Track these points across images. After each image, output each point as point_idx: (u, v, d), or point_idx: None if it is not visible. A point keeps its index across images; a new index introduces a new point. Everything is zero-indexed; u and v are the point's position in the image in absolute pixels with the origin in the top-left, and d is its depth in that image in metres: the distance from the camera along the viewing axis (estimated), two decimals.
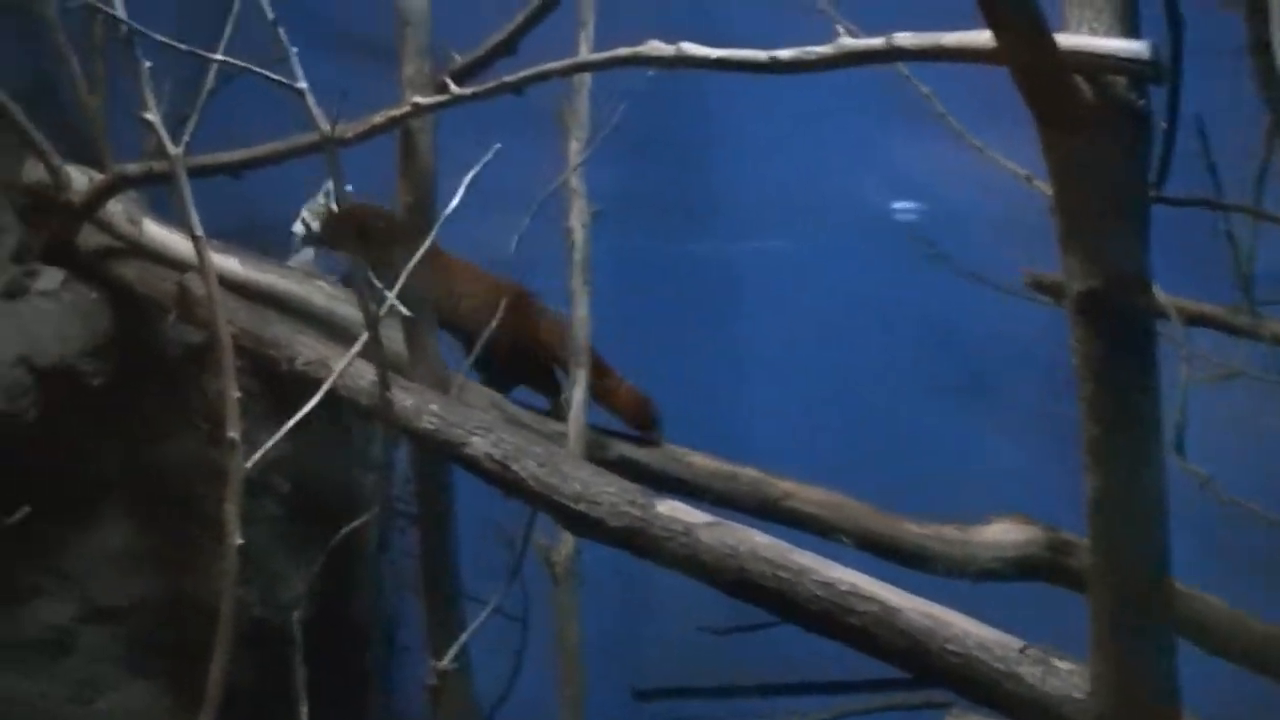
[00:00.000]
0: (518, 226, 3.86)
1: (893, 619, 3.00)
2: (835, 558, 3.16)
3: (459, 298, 4.08)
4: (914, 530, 3.91)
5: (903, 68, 4.03)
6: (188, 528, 4.27)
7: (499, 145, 3.25)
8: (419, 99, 3.27)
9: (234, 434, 3.09)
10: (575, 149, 4.23)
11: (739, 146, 4.82)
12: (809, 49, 2.78)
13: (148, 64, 3.10)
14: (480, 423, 3.47)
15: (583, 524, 3.31)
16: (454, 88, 3.20)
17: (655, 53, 2.96)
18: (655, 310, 4.85)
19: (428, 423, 3.49)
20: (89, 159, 4.38)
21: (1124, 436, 2.49)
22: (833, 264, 4.78)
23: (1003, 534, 3.88)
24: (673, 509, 3.24)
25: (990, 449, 4.74)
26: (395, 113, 3.33)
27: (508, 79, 3.13)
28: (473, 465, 3.44)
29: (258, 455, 3.11)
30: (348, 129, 3.26)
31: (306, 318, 4.02)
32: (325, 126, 3.06)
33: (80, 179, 4.06)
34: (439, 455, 3.62)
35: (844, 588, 3.03)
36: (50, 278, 4.21)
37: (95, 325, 4.16)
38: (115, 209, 4.17)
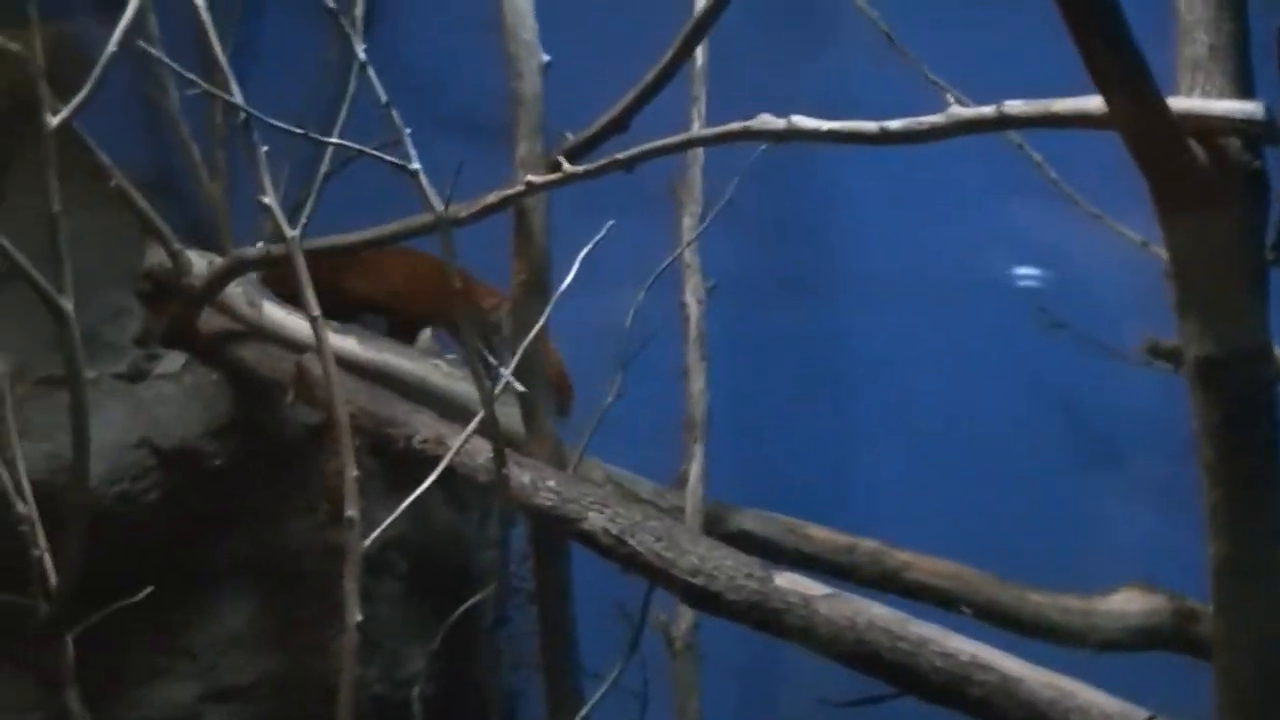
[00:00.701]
0: (632, 302, 3.87)
1: (1014, 689, 2.96)
2: (956, 629, 3.13)
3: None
4: (1035, 600, 3.86)
5: (1015, 136, 4.04)
6: (308, 606, 4.31)
7: (612, 222, 3.27)
8: (532, 178, 3.31)
9: (352, 512, 3.11)
10: (689, 224, 4.26)
11: (854, 217, 4.82)
12: (919, 119, 2.80)
13: (265, 148, 3.15)
14: (597, 498, 3.47)
15: (701, 598, 3.30)
16: (566, 166, 3.24)
17: (766, 127, 2.99)
18: (772, 383, 4.85)
19: (544, 498, 3.50)
20: (209, 243, 4.49)
21: (1247, 502, 2.46)
22: (952, 334, 4.74)
23: (1126, 603, 3.83)
24: (791, 581, 3.23)
25: (1114, 517, 4.67)
26: (509, 192, 3.37)
27: (619, 156, 3.17)
28: (590, 540, 3.44)
29: (376, 533, 3.12)
30: (461, 208, 3.30)
31: (423, 396, 4.05)
32: (439, 206, 3.10)
33: (200, 263, 4.12)
34: (556, 531, 3.63)
35: (965, 658, 3.00)
36: (171, 361, 4.30)
37: (215, 407, 4.23)
38: (235, 292, 4.23)
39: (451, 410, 3.98)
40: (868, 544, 4.03)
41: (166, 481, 4.10)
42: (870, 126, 2.89)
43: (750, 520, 4.13)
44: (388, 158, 3.03)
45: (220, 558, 4.31)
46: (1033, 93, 2.73)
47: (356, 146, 3.16)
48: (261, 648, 4.30)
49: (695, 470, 4.12)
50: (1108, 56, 2.26)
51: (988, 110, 2.74)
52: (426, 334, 4.65)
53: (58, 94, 2.90)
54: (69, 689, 3.47)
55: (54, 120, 2.85)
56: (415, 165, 3.04)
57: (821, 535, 4.07)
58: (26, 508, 3.38)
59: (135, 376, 4.26)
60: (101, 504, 3.91)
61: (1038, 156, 4.07)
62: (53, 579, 3.35)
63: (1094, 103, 2.45)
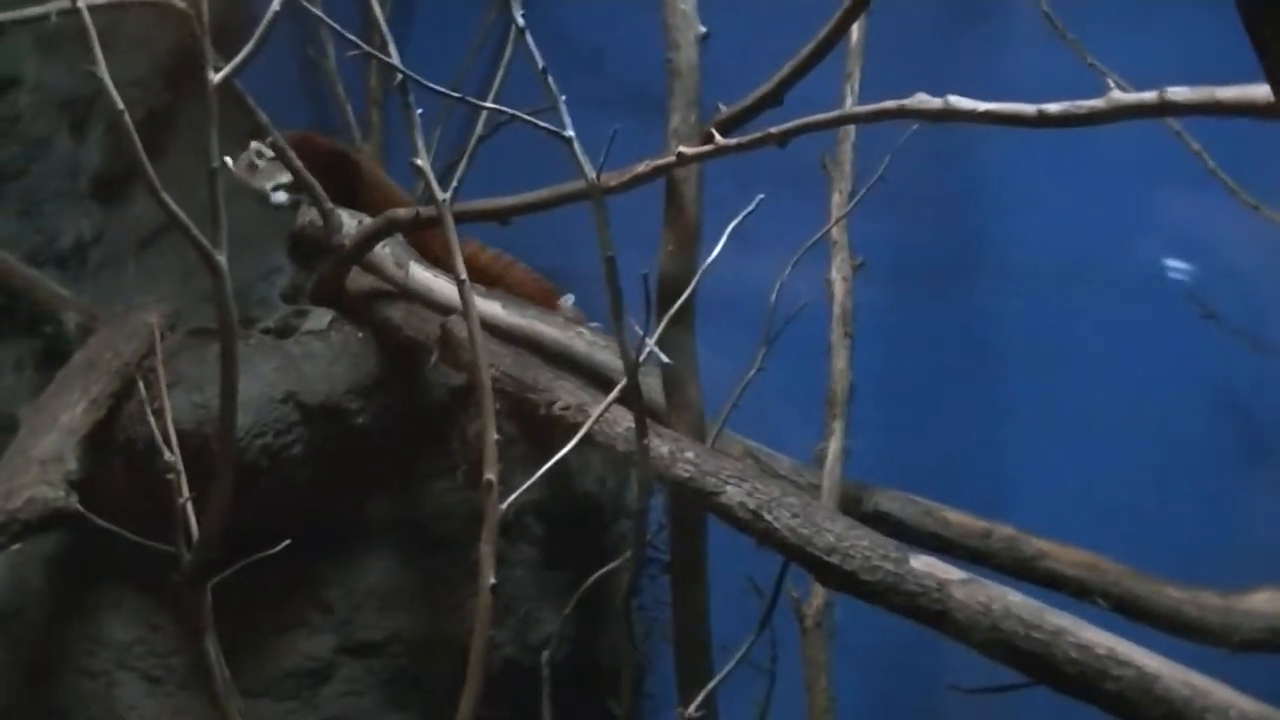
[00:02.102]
0: (779, 277, 3.87)
1: (1151, 685, 2.93)
2: (1091, 620, 3.11)
3: None
4: (1172, 594, 3.81)
5: (1174, 124, 3.99)
6: (444, 567, 4.38)
7: (762, 196, 3.27)
8: (685, 149, 3.32)
9: (491, 476, 3.13)
10: (838, 201, 4.25)
11: (1007, 200, 4.77)
12: (1078, 103, 2.79)
13: (420, 111, 3.18)
14: (735, 471, 3.48)
15: (835, 576, 3.30)
16: (719, 139, 3.25)
17: (922, 106, 2.99)
18: (916, 364, 4.83)
19: (683, 470, 3.51)
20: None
21: None
22: (1102, 323, 4.69)
23: (1269, 603, 3.77)
24: (927, 565, 3.22)
25: (1264, 514, 4.61)
26: (661, 162, 3.39)
27: (772, 130, 3.17)
28: (726, 514, 3.45)
29: (513, 497, 3.14)
30: (613, 177, 3.32)
31: (566, 363, 4.08)
32: (591, 175, 3.12)
33: (350, 223, 4.19)
34: (693, 503, 3.64)
35: (1101, 651, 2.97)
36: (318, 318, 4.35)
37: (360, 365, 4.28)
38: (383, 252, 4.29)
39: (593, 378, 4.01)
40: (1004, 530, 4.01)
41: (310, 437, 4.16)
42: (1028, 109, 2.87)
43: (887, 501, 4.13)
44: (542, 124, 3.05)
45: (359, 515, 4.38)
46: (1193, 79, 2.70)
47: (511, 111, 3.18)
48: (396, 605, 4.36)
49: (834, 448, 4.12)
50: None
51: (1149, 96, 2.72)
52: (570, 301, 4.68)
53: (221, 52, 2.94)
54: (207, 636, 3.53)
55: (216, 77, 2.89)
56: (569, 132, 3.06)
57: (958, 519, 4.06)
58: (173, 457, 3.45)
59: (283, 332, 4.31)
60: (246, 457, 3.98)
61: (1196, 145, 4.02)
62: (196, 528, 3.41)
63: (1260, 92, 2.42)
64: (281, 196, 4.38)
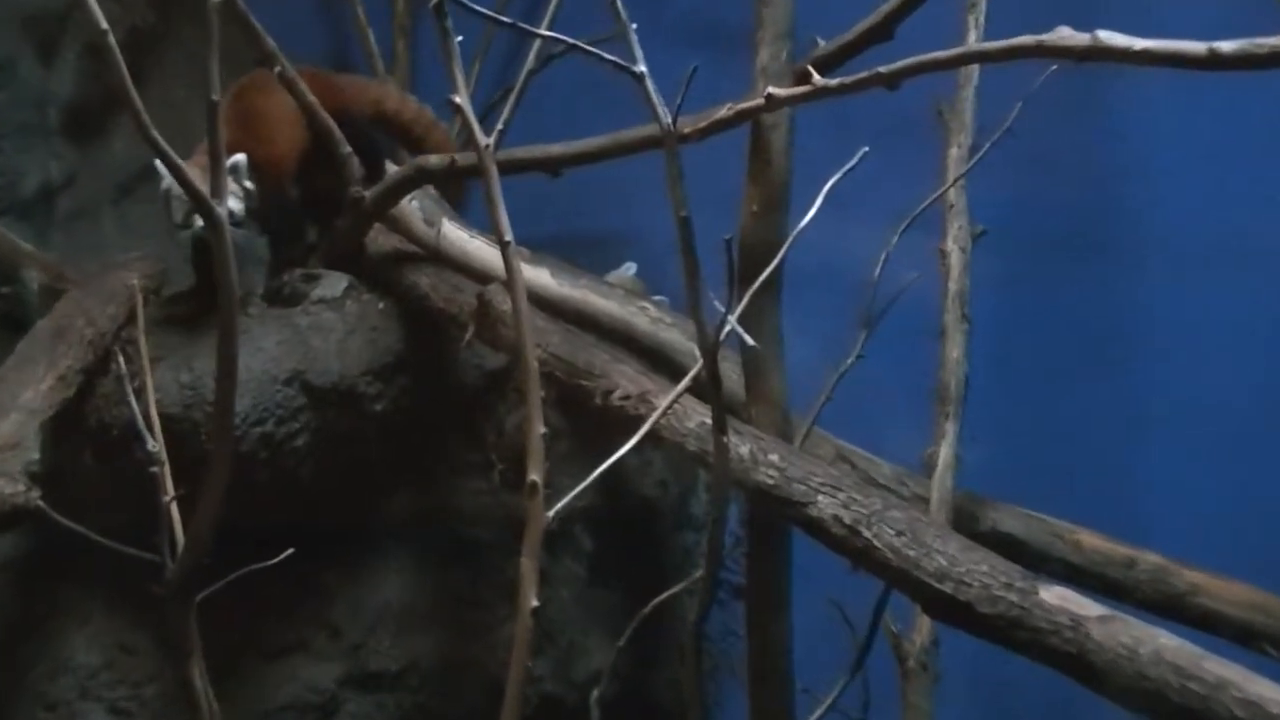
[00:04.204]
0: (884, 247, 3.83)
1: None
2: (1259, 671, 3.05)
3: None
4: None
5: None
6: (475, 583, 4.36)
7: (866, 149, 3.22)
8: (774, 90, 3.28)
9: (535, 477, 3.09)
10: (956, 156, 4.22)
11: (1155, 163, 4.72)
12: (1258, 41, 2.74)
13: (459, 39, 3.14)
14: (828, 478, 3.45)
15: (947, 608, 3.26)
16: (817, 78, 3.20)
17: (1064, 42, 2.95)
18: (1044, 353, 4.79)
19: (765, 476, 3.48)
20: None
21: None
22: (1259, 311, 4.65)
23: None
24: (1060, 597, 3.17)
25: None
26: (746, 105, 3.35)
27: (881, 70, 3.14)
28: (816, 529, 3.42)
29: (562, 504, 3.11)
30: (689, 122, 3.27)
31: (627, 343, 4.07)
32: (665, 119, 3.07)
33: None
34: (777, 515, 3.60)
35: (1274, 709, 2.91)
36: (331, 284, 4.32)
37: (381, 341, 4.25)
38: (411, 208, 4.27)
39: (657, 362, 3.99)
40: (1151, 558, 3.98)
41: (319, 425, 4.13)
42: (1196, 47, 2.82)
43: (1009, 518, 4.10)
44: (608, 56, 3.01)
45: (376, 519, 4.35)
46: None
47: (569, 40, 3.13)
48: (417, 627, 4.33)
49: (945, 453, 4.08)
50: None
51: None
52: (631, 270, 4.66)
53: None
54: (192, 660, 3.51)
55: None
56: (640, 67, 3.01)
57: (1094, 543, 4.03)
58: (156, 445, 3.42)
59: (289, 299, 4.29)
60: (242, 447, 3.95)
61: None
62: (181, 532, 3.39)
63: None
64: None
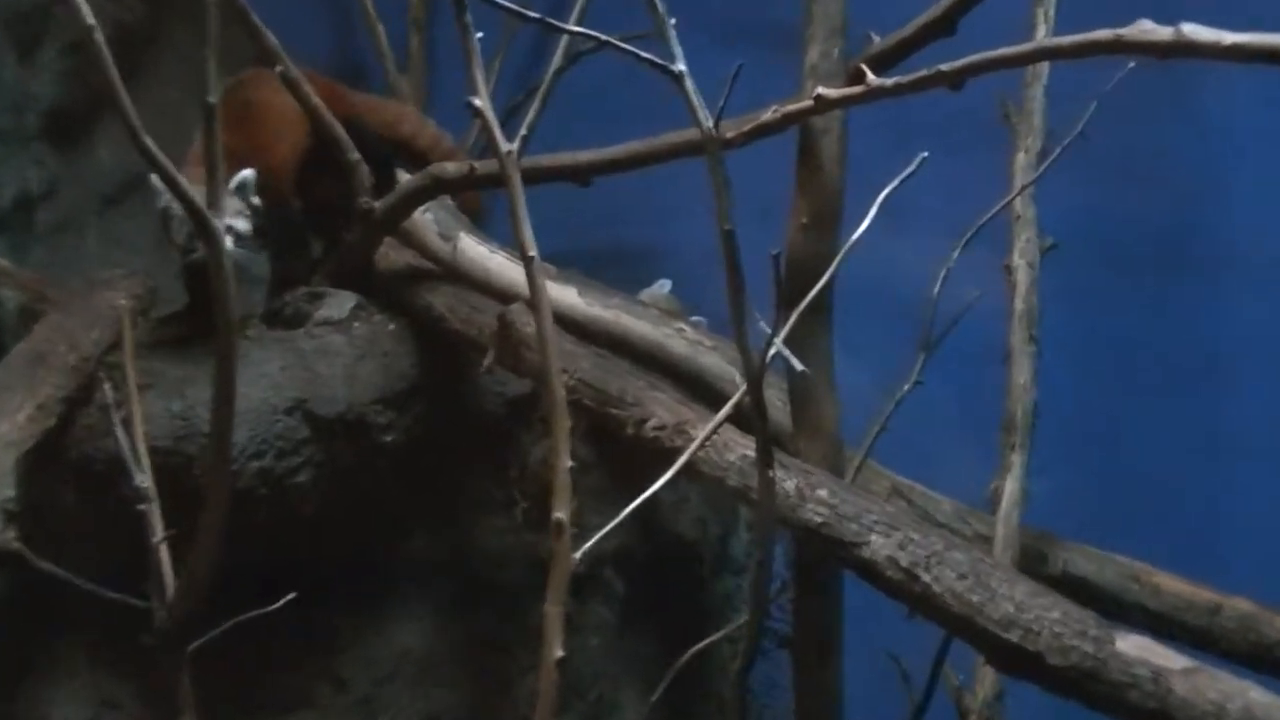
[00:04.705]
0: (944, 262, 3.83)
1: None
2: None
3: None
4: None
5: None
6: (496, 630, 4.37)
7: (925, 155, 3.22)
8: (825, 90, 3.28)
9: (561, 514, 3.10)
10: (1023, 163, 4.21)
11: (1243, 170, 4.72)
12: None
13: (479, 35, 3.14)
14: (882, 516, 3.44)
15: (1015, 658, 3.24)
16: (871, 77, 3.20)
17: (1146, 37, 2.94)
18: (1120, 378, 4.79)
19: (814, 513, 3.47)
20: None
21: None
22: None
23: None
24: (1139, 647, 3.16)
25: None
26: (794, 107, 3.34)
27: (943, 68, 3.13)
28: (870, 572, 3.41)
29: (590, 544, 3.11)
30: (732, 126, 3.27)
31: (662, 369, 4.06)
32: (706, 123, 3.07)
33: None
34: (827, 556, 3.60)
35: None
36: (338, 303, 4.33)
37: (392, 366, 4.26)
38: (425, 220, 4.28)
39: (695, 389, 3.99)
40: (1239, 604, 3.96)
41: (324, 458, 4.12)
42: None
43: (1081, 560, 4.09)
44: (644, 54, 3.01)
45: (389, 560, 4.36)
46: None
47: (601, 37, 3.13)
48: (433, 679, 4.34)
49: (1012, 488, 4.08)
50: None
51: None
52: (666, 288, 4.66)
53: None
54: (185, 717, 3.51)
55: None
56: (679, 65, 3.01)
57: (1176, 587, 4.01)
58: (145, 481, 3.43)
59: (292, 321, 4.29)
60: (239, 482, 3.93)
61: None
62: (173, 576, 3.40)
63: None
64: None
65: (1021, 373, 4.15)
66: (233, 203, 4.03)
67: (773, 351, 3.20)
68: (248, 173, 4.05)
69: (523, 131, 3.23)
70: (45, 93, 4.88)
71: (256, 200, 4.11)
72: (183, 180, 3.06)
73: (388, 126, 4.55)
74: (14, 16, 4.74)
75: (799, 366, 3.31)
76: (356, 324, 4.30)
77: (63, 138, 4.93)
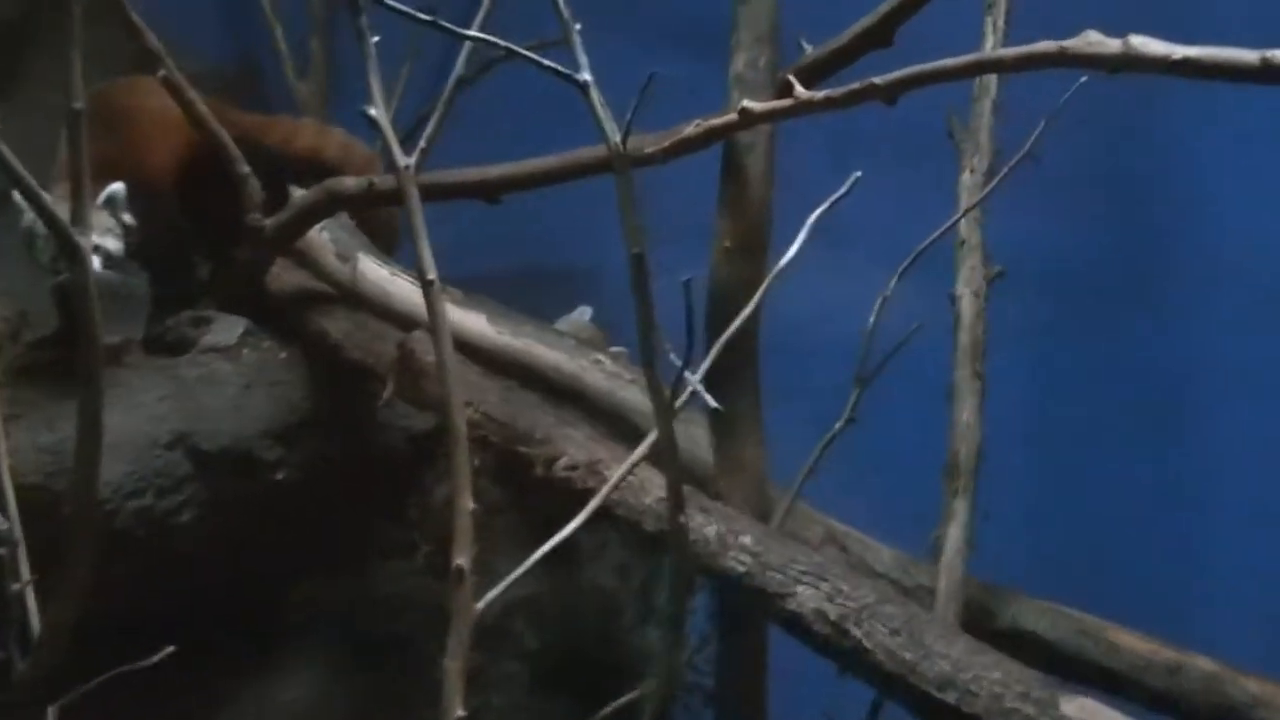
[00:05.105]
0: (881, 290, 3.82)
1: None
2: None
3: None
4: None
5: None
6: (395, 684, 4.34)
7: (859, 174, 3.21)
8: (749, 104, 3.28)
9: (462, 560, 3.09)
10: (969, 183, 4.22)
11: (1206, 191, 4.74)
12: None
13: (375, 39, 3.13)
14: (810, 566, 3.45)
15: None
16: (800, 90, 3.20)
17: (1092, 50, 2.95)
18: (1072, 416, 4.81)
19: (736, 561, 3.48)
20: None
21: None
22: None
23: None
24: (1085, 710, 3.18)
25: None
26: (717, 121, 3.34)
27: (877, 81, 3.13)
28: (797, 625, 3.43)
29: (495, 592, 3.10)
30: (649, 141, 3.27)
31: (578, 403, 4.06)
32: (614, 137, 3.05)
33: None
34: (751, 608, 3.60)
35: None
36: (226, 329, 4.31)
37: (284, 397, 4.25)
38: (322, 239, 4.26)
39: (615, 425, 3.98)
40: (1202, 663, 3.97)
41: (208, 497, 4.10)
42: (1247, 56, 2.82)
43: (1032, 614, 4.09)
44: (546, 62, 2.99)
45: (278, 609, 4.33)
46: None
47: (504, 44, 3.12)
48: None
49: (955, 535, 4.08)
50: None
51: None
52: (586, 315, 4.65)
53: None
54: None
55: None
56: (585, 75, 2.99)
57: (1134, 644, 4.02)
58: (7, 523, 3.39)
59: (175, 347, 4.27)
60: (115, 522, 3.93)
61: None
62: (37, 625, 3.37)
63: None
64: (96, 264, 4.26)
65: (966, 410, 4.15)
66: (101, 219, 4.00)
67: (689, 389, 3.19)
68: (117, 186, 4.01)
69: (421, 144, 3.20)
70: None
71: (128, 217, 4.07)
72: (45, 196, 3.02)
73: (283, 143, 4.51)
74: None
75: (712, 402, 3.29)
76: (245, 351, 4.28)
77: None
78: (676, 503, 3.31)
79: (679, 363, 3.10)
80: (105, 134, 3.92)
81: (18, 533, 3.40)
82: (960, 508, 4.10)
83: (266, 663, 4.31)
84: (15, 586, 3.36)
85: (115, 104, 4.16)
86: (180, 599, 4.04)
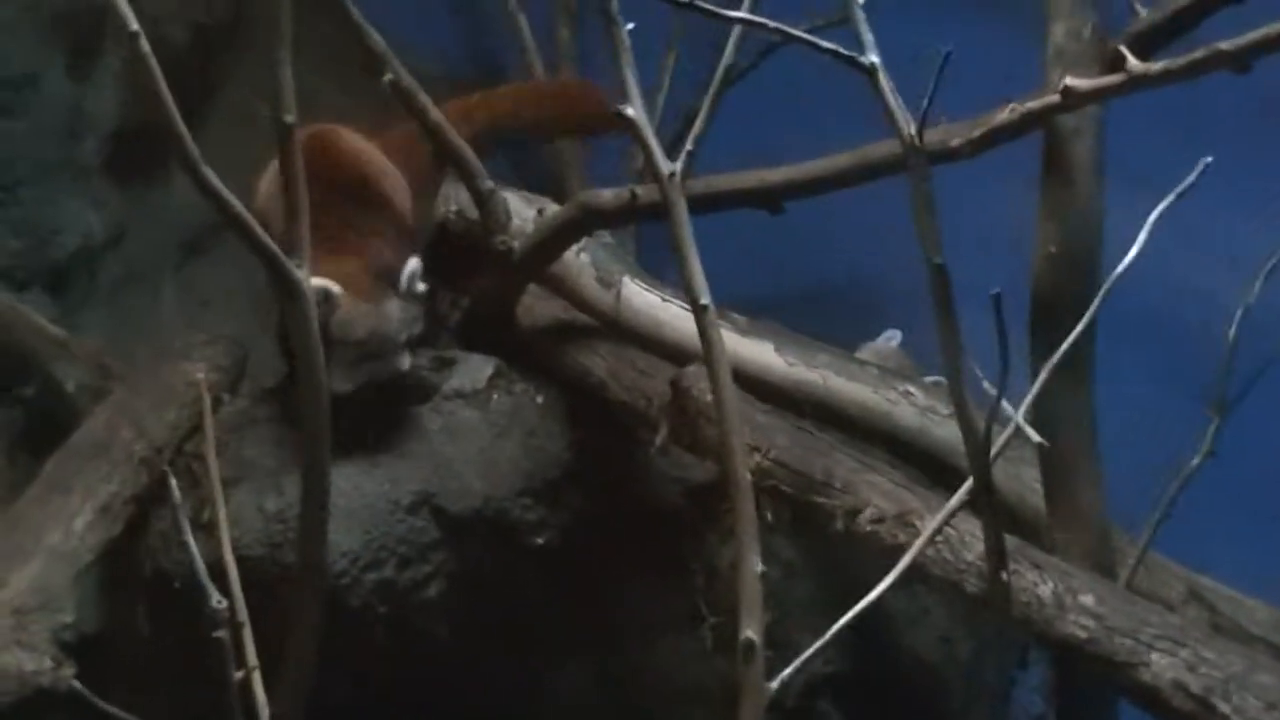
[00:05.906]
0: (1242, 298, 3.77)
1: None
2: None
3: None
4: None
5: None
6: None
7: (1209, 159, 3.17)
8: (1074, 81, 3.26)
9: (751, 632, 3.08)
10: None
11: None
12: None
13: (629, 25, 3.13)
14: (1165, 629, 3.41)
15: None
16: (1133, 62, 3.17)
17: None
18: None
19: (1076, 625, 3.45)
20: (543, 183, 4.54)
21: None
22: None
23: None
24: None
25: None
26: (1034, 104, 3.33)
27: (1223, 45, 3.09)
28: (1153, 700, 3.38)
29: (791, 669, 3.08)
30: (953, 131, 3.26)
31: (885, 443, 4.07)
32: (907, 129, 3.03)
33: (526, 212, 4.22)
34: (1095, 680, 3.57)
35: None
36: (471, 371, 4.34)
37: (541, 448, 4.28)
38: (579, 262, 4.28)
39: (928, 468, 3.97)
40: None
41: (457, 566, 4.14)
42: None
43: None
44: (826, 44, 2.98)
45: (541, 694, 4.37)
46: None
47: (777, 25, 3.11)
48: None
49: None
50: None
51: None
52: (894, 340, 4.64)
53: None
54: None
55: None
56: (872, 56, 2.98)
57: None
58: (223, 601, 3.43)
59: (416, 394, 4.30)
60: (351, 600, 3.98)
61: None
62: (265, 716, 3.41)
63: None
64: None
65: None
66: (410, 308, 4.07)
67: (1011, 425, 3.16)
68: (415, 264, 4.03)
69: (687, 147, 3.21)
70: (105, 114, 4.85)
71: (422, 286, 4.11)
72: (259, 229, 3.03)
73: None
74: (65, 19, 4.71)
75: (1035, 437, 3.25)
76: (495, 395, 4.31)
77: (130, 170, 4.92)
78: (998, 558, 3.29)
79: (992, 390, 3.07)
80: (351, 205, 4.00)
81: (243, 613, 3.43)
82: None
83: None
84: (239, 674, 3.40)
85: (338, 163, 4.16)
86: (426, 685, 4.08)
